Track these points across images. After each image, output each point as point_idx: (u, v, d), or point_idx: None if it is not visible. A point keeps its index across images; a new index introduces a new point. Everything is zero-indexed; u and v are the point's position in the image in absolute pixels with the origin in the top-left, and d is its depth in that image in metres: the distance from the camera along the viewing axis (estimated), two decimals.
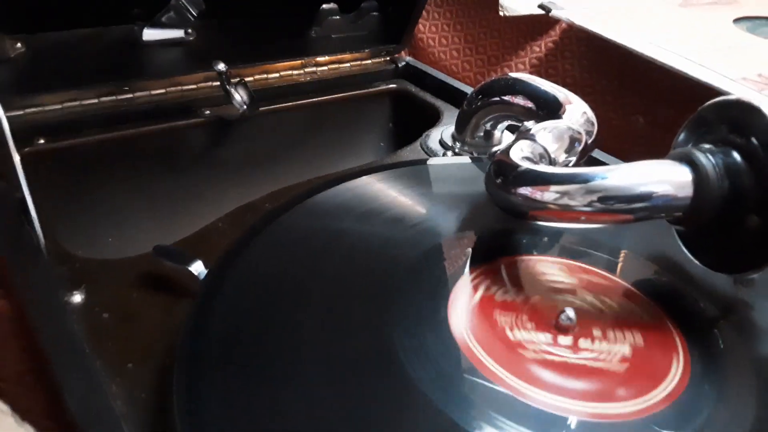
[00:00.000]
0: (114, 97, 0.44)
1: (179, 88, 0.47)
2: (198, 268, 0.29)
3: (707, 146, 0.27)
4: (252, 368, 0.23)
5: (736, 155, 0.26)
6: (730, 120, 0.27)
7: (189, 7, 0.46)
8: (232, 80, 0.45)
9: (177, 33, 0.48)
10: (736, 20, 0.59)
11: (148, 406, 0.24)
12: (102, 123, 0.43)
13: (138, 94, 0.45)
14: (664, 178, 0.26)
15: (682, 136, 0.30)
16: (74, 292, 0.29)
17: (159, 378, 0.25)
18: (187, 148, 0.47)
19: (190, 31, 0.49)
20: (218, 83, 0.46)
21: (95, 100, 0.44)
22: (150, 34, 0.47)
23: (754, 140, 0.25)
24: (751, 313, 0.28)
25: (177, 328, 0.27)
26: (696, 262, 0.29)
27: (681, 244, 0.29)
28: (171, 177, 0.47)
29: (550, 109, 0.37)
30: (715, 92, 0.44)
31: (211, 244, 0.33)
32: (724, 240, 0.27)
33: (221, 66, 0.44)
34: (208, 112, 0.47)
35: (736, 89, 0.43)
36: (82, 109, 0.43)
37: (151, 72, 0.47)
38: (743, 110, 0.26)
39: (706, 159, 0.26)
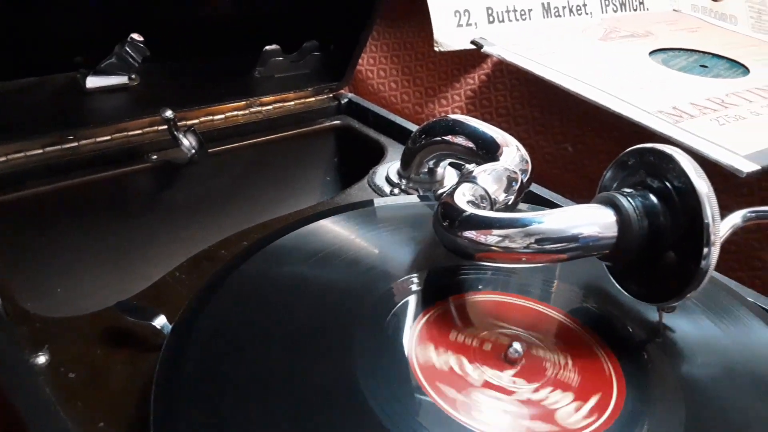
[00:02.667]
0: (59, 147, 0.44)
1: (125, 134, 0.47)
2: (161, 322, 0.30)
3: (628, 190, 0.30)
4: (226, 422, 0.24)
5: (653, 198, 0.29)
6: (648, 165, 0.30)
7: (133, 54, 0.47)
8: (180, 126, 0.46)
9: (121, 79, 0.49)
10: (652, 52, 0.63)
11: None
12: (48, 173, 0.43)
13: (83, 142, 0.45)
14: (591, 220, 0.29)
15: (607, 176, 0.33)
16: (38, 354, 0.29)
17: None
18: (134, 194, 0.47)
19: (134, 76, 0.49)
20: (165, 127, 0.47)
21: (40, 151, 0.44)
22: (93, 81, 0.48)
23: (668, 184, 0.29)
24: (673, 336, 0.31)
25: (144, 383, 0.28)
26: (624, 292, 0.32)
27: (611, 277, 0.32)
28: (120, 224, 0.47)
29: (489, 149, 0.40)
30: (636, 125, 0.48)
31: (171, 295, 0.34)
32: (647, 273, 0.30)
33: (168, 113, 0.45)
34: (155, 157, 0.47)
35: (654, 122, 0.47)
36: (27, 161, 0.43)
37: (96, 119, 0.47)
38: (658, 156, 0.29)
39: (627, 202, 0.29)
